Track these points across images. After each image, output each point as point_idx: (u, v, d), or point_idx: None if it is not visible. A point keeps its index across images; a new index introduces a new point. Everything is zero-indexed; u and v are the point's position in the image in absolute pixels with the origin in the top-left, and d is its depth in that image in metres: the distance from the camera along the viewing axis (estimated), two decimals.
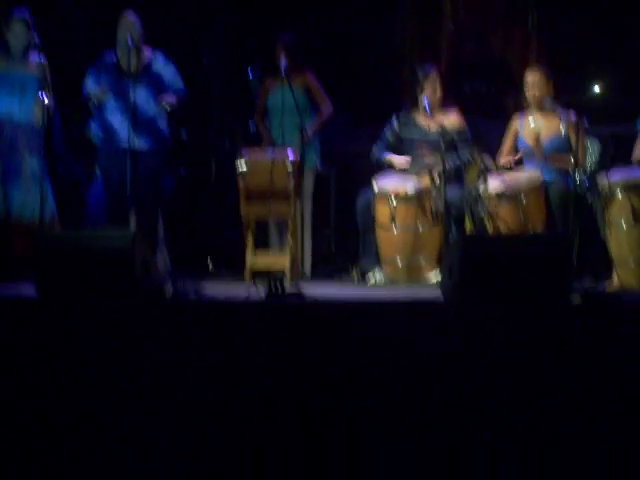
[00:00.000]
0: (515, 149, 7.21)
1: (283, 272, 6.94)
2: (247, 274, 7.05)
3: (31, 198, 7.01)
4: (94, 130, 7.32)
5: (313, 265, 7.61)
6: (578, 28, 9.02)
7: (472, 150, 7.21)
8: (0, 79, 7.11)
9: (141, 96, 7.16)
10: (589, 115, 6.79)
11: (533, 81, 7.08)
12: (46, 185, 6.98)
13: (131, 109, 7.04)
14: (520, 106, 7.26)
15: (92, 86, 7.23)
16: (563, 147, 7.00)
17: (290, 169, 7.06)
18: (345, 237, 7.98)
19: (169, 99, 7.18)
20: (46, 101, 6.87)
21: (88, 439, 4.59)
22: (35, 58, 7.14)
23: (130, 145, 7.00)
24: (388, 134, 7.41)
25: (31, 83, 7.07)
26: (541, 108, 7.09)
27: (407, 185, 6.98)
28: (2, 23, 7.20)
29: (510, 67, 8.67)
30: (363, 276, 7.08)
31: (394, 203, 6.91)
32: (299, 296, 5.56)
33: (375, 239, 7.05)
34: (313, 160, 7.68)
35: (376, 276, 7.01)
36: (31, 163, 7.06)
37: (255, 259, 7.13)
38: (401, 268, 6.93)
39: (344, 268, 7.23)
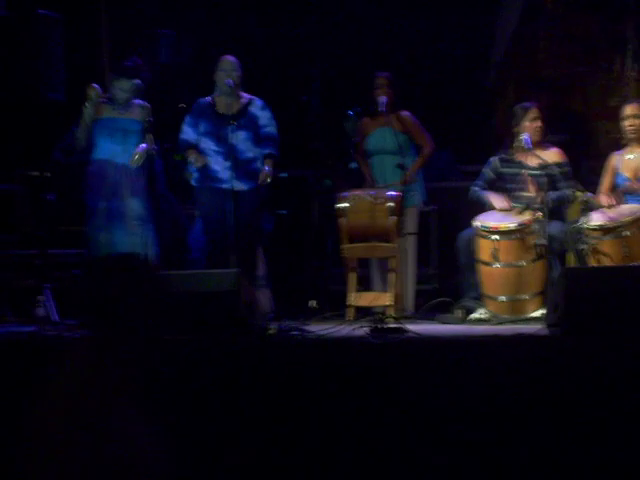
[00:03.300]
0: (613, 187, 7.10)
1: (385, 310, 6.96)
2: (350, 312, 7.09)
3: (135, 240, 7.15)
4: (192, 172, 7.40)
5: (416, 302, 7.60)
6: None
7: (574, 185, 7.17)
8: (105, 125, 7.29)
9: (240, 138, 7.26)
10: None
11: (631, 114, 7.01)
12: (149, 227, 7.17)
13: (231, 151, 7.16)
14: (614, 146, 7.19)
15: (191, 135, 7.35)
16: None
17: (391, 208, 7.11)
18: (447, 274, 7.96)
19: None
20: (145, 146, 7.09)
21: None
22: (138, 103, 7.33)
23: (231, 186, 7.13)
24: (487, 173, 7.36)
25: (134, 128, 7.25)
26: None
27: (509, 221, 6.95)
28: (111, 74, 7.42)
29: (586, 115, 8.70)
30: (466, 312, 7.05)
31: (496, 239, 6.89)
32: (402, 333, 5.59)
33: (477, 276, 7.02)
34: (415, 198, 7.68)
35: (479, 312, 6.99)
36: (134, 205, 7.22)
37: (357, 297, 7.16)
38: (504, 304, 6.90)
39: (447, 305, 7.21)
